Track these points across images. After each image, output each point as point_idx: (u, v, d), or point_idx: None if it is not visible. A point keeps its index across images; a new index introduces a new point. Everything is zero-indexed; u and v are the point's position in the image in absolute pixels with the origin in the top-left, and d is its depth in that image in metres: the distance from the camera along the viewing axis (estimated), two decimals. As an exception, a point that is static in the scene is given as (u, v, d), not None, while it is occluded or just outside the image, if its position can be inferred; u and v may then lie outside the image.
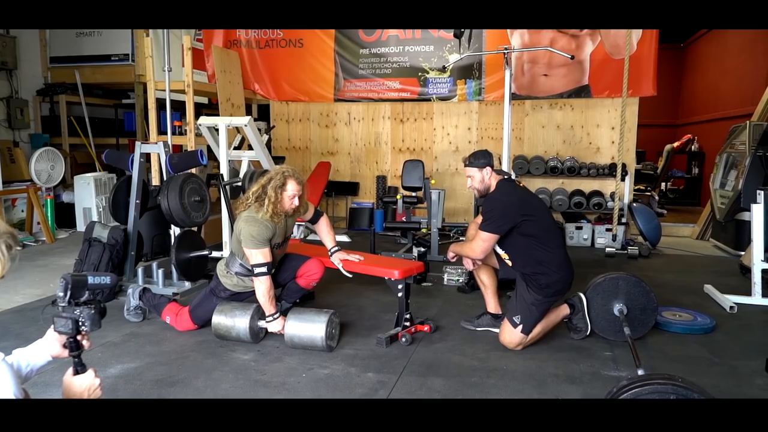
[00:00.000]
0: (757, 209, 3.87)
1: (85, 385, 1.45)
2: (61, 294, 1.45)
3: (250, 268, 3.01)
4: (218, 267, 3.24)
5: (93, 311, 1.45)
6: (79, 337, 1.47)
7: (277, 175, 2.98)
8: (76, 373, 1.47)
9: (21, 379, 1.42)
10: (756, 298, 3.78)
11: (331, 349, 2.90)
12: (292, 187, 2.97)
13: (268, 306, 2.98)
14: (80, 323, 1.44)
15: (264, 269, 2.94)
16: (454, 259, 3.21)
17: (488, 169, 2.99)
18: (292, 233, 3.36)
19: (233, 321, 2.95)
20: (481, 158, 3.01)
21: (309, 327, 2.86)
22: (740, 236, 5.29)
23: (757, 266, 3.81)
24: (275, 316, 2.98)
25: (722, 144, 6.18)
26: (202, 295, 3.21)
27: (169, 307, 3.24)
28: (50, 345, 1.51)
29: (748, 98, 7.10)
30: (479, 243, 2.93)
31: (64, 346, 1.48)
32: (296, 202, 3.01)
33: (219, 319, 2.96)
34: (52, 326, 1.48)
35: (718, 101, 9.01)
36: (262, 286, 2.95)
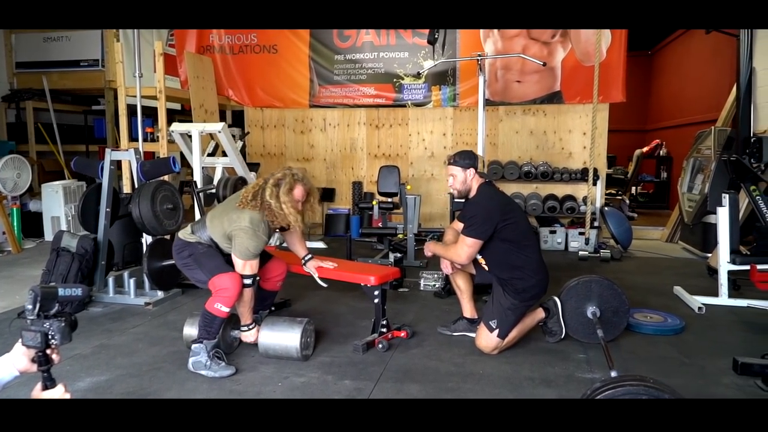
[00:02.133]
0: (722, 212, 3.98)
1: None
2: (30, 306, 1.40)
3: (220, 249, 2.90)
4: (180, 234, 2.99)
5: (63, 324, 1.41)
6: (48, 351, 1.42)
7: (288, 177, 2.82)
8: (45, 388, 1.42)
9: None
10: (723, 299, 3.88)
11: (307, 358, 2.88)
12: (299, 192, 2.83)
13: (246, 315, 2.91)
14: (50, 336, 1.40)
15: (250, 281, 2.84)
16: (429, 255, 3.20)
17: (472, 170, 2.99)
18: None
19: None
20: (466, 158, 3.00)
21: (283, 337, 2.83)
22: (707, 238, 5.44)
23: (724, 268, 3.91)
24: (251, 326, 2.92)
25: (689, 149, 6.36)
26: (197, 264, 2.88)
27: (209, 301, 2.80)
28: (17, 359, 1.45)
29: (712, 104, 7.32)
30: (464, 249, 2.92)
31: (33, 361, 1.43)
32: (300, 207, 2.87)
33: (191, 331, 2.90)
34: (20, 340, 1.43)
35: (684, 107, 9.27)
36: (246, 297, 2.87)
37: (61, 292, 1.43)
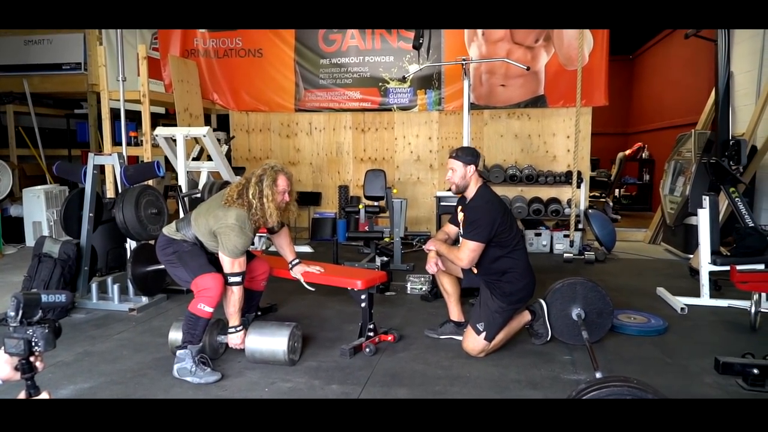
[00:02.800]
0: (703, 214, 4.05)
1: None
2: (12, 313, 1.38)
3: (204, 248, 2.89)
4: (165, 231, 2.98)
5: (47, 330, 1.38)
6: (32, 359, 1.39)
7: (269, 171, 2.84)
8: (29, 396, 1.40)
9: None
10: (704, 299, 3.94)
11: (294, 362, 2.87)
12: (283, 182, 2.86)
13: (234, 317, 2.88)
14: (33, 344, 1.37)
15: (239, 278, 2.84)
16: (431, 250, 3.15)
17: (472, 167, 2.99)
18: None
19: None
20: (468, 155, 3.00)
21: (270, 341, 2.81)
22: (689, 240, 5.53)
23: (705, 269, 3.98)
24: (238, 328, 2.89)
25: (670, 151, 6.46)
26: (181, 262, 2.87)
27: (192, 303, 2.79)
28: (0, 367, 1.44)
29: (692, 108, 7.46)
30: (467, 253, 2.91)
31: (16, 369, 1.40)
32: (287, 197, 2.90)
33: (176, 336, 2.87)
34: (2, 348, 1.41)
35: (665, 110, 9.42)
36: (236, 296, 2.85)
37: (44, 298, 1.41)
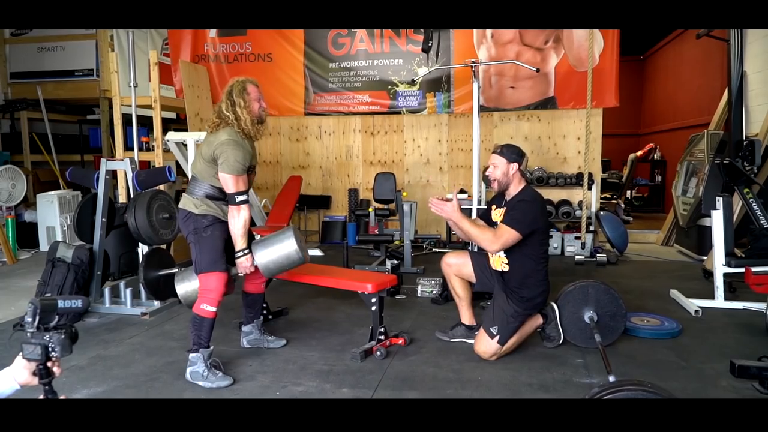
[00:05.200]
0: (717, 215, 4.00)
1: None
2: (29, 319, 1.40)
3: (220, 188, 2.81)
4: (182, 203, 2.88)
5: (63, 336, 1.40)
6: (49, 364, 1.41)
7: (237, 84, 2.84)
8: None
9: None
10: (719, 302, 3.89)
11: (306, 260, 2.90)
12: (254, 92, 2.85)
13: (242, 239, 2.78)
14: (50, 349, 1.39)
15: (245, 197, 2.76)
16: (449, 213, 2.87)
17: (516, 165, 2.94)
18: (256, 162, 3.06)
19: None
20: (514, 153, 2.96)
21: (279, 248, 2.81)
22: (702, 241, 5.46)
23: (719, 270, 3.93)
24: (245, 251, 2.82)
25: (682, 152, 6.40)
26: (196, 247, 2.80)
27: (195, 304, 2.81)
28: (18, 373, 1.44)
29: (704, 108, 7.38)
30: (504, 237, 2.80)
31: (34, 374, 1.42)
32: (263, 104, 2.87)
33: (184, 287, 2.84)
34: (20, 354, 1.43)
35: (677, 111, 9.33)
36: (244, 215, 2.75)
37: (60, 304, 1.42)
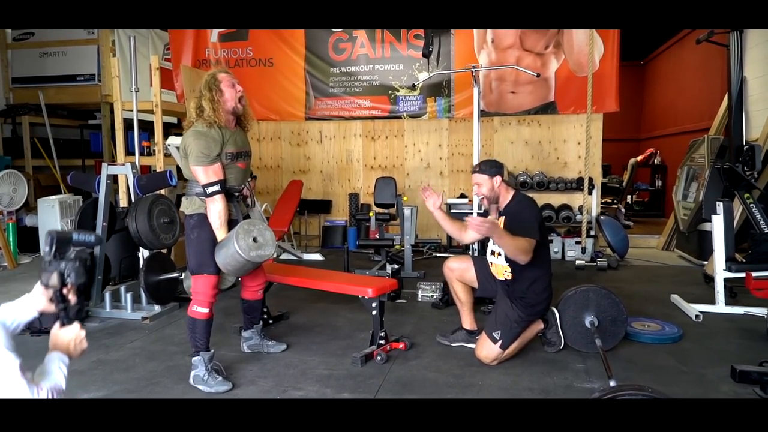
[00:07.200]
0: (717, 220, 4.00)
1: (70, 336, 1.52)
2: (47, 248, 1.51)
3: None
4: (183, 208, 2.85)
5: (77, 264, 1.51)
6: (64, 290, 1.51)
7: (207, 77, 2.75)
8: (63, 325, 1.53)
9: (9, 335, 1.45)
10: (719, 307, 3.89)
11: (264, 258, 2.72)
12: (225, 78, 2.74)
13: (221, 230, 2.71)
14: (66, 276, 1.50)
15: (217, 187, 2.65)
16: (484, 231, 2.75)
17: (499, 178, 2.99)
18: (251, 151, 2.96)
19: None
20: (492, 167, 3.01)
21: (226, 250, 2.64)
22: (703, 246, 5.46)
23: (720, 275, 3.93)
24: None
25: (683, 157, 6.40)
26: (189, 247, 2.78)
27: (188, 308, 2.81)
28: (37, 300, 1.54)
29: (705, 113, 7.39)
30: (529, 247, 2.77)
31: (51, 300, 1.52)
32: (240, 93, 2.75)
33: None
34: (39, 281, 1.52)
35: (678, 116, 9.34)
36: (218, 206, 2.67)
37: (75, 236, 1.55)
